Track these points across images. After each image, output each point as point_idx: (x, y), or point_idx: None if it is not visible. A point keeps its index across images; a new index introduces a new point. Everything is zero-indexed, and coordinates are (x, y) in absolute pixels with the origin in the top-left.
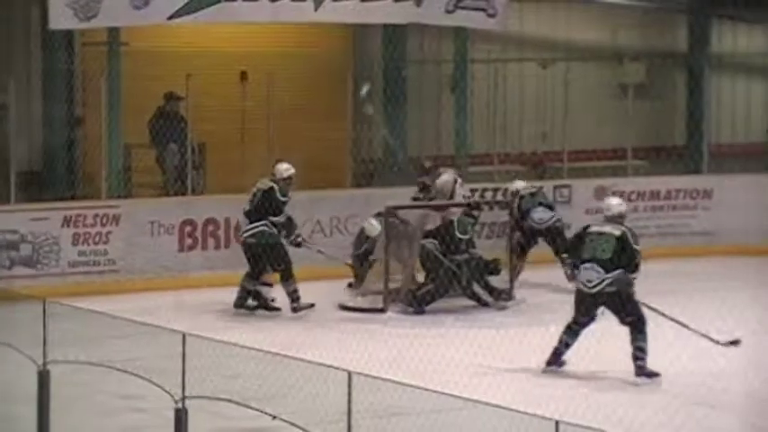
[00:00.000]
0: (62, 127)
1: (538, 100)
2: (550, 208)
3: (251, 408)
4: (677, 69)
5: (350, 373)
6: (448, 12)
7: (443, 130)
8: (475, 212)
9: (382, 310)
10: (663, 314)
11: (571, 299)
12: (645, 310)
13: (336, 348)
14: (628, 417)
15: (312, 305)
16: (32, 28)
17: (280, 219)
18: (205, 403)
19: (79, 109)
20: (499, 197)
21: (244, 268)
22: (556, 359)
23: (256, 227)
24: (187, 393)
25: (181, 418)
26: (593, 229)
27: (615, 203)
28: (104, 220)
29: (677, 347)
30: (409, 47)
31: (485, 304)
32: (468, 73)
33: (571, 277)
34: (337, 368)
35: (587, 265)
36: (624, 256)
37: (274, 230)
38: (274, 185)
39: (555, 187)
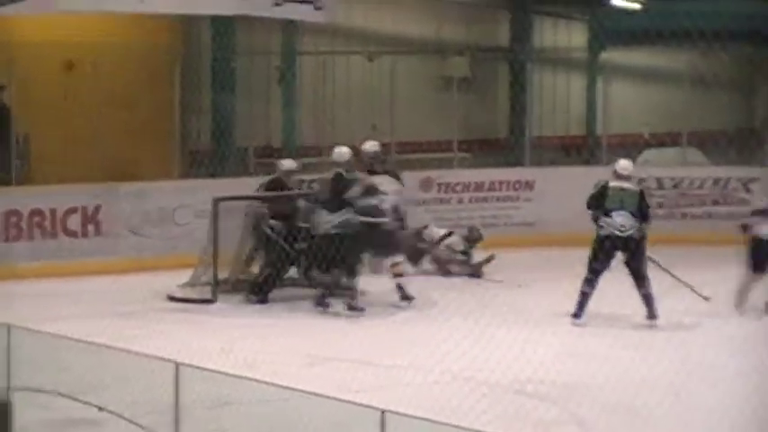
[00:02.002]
0: None
1: (365, 92)
2: None
3: (77, 400)
4: (500, 64)
5: (177, 364)
6: (276, 4)
7: (272, 122)
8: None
9: (211, 301)
10: (660, 266)
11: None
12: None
13: (165, 340)
14: (453, 404)
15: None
16: None
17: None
18: (32, 395)
19: None
20: None
21: (71, 257)
22: (581, 311)
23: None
24: (13, 385)
25: (6, 410)
26: (614, 184)
27: (629, 164)
28: None
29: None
30: (238, 39)
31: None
32: (296, 65)
33: None
34: (165, 359)
35: (621, 212)
36: (643, 209)
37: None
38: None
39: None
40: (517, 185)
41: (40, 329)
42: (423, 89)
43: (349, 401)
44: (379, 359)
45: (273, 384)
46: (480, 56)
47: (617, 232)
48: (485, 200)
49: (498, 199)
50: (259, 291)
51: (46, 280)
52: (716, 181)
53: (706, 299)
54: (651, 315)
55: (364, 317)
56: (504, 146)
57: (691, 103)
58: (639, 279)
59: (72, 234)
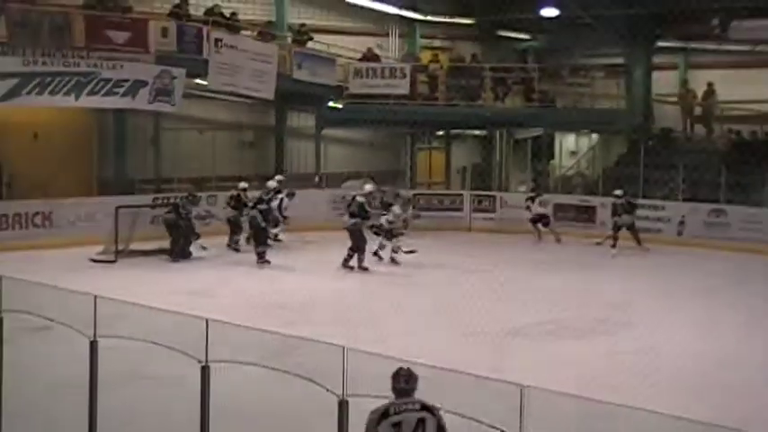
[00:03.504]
0: None
1: (199, 150)
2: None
3: (39, 315)
4: (270, 135)
5: (95, 297)
6: (149, 102)
7: (148, 164)
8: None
9: (114, 262)
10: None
11: None
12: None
13: (88, 283)
14: (247, 315)
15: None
16: None
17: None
18: (14, 314)
19: None
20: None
21: (37, 239)
22: (345, 264)
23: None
24: (4, 308)
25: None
26: (357, 198)
27: (368, 187)
28: None
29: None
30: (128, 120)
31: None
32: (161, 135)
33: None
34: (87, 293)
35: (346, 214)
36: (362, 212)
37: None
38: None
39: (209, 195)
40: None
41: (18, 278)
42: (229, 149)
43: (186, 314)
44: (204, 292)
45: (148, 306)
46: (259, 131)
47: (343, 225)
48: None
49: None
50: (178, 255)
51: (22, 252)
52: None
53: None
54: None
55: (192, 268)
56: (272, 178)
57: (368, 156)
58: (356, 253)
59: (37, 226)
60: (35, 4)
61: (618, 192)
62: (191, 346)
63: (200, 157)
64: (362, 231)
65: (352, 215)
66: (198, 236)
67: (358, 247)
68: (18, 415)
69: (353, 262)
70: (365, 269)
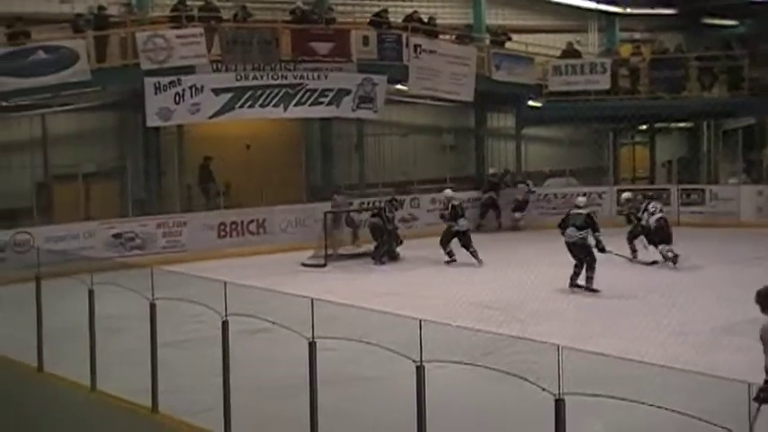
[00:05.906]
0: (152, 177)
1: (401, 154)
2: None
3: (260, 318)
4: (470, 137)
5: (312, 300)
6: (353, 110)
7: (353, 170)
8: (395, 203)
9: (324, 266)
10: (614, 253)
11: None
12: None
13: (301, 286)
14: (452, 314)
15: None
16: (137, 125)
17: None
18: (236, 317)
19: (163, 166)
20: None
21: (252, 245)
22: (573, 282)
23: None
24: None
25: (227, 326)
26: (573, 211)
27: (582, 199)
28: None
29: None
30: (333, 128)
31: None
32: (364, 141)
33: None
34: (303, 296)
35: (570, 228)
36: (588, 224)
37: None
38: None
39: (411, 199)
40: (479, 200)
41: (240, 283)
42: (430, 152)
43: (398, 315)
44: (411, 293)
45: (356, 306)
46: (459, 133)
47: (569, 240)
48: (467, 208)
49: (470, 207)
50: (379, 258)
51: (239, 258)
52: (585, 194)
53: (654, 262)
54: (587, 287)
55: (396, 270)
56: (473, 179)
57: (569, 153)
58: (588, 267)
59: (251, 233)
60: (246, 21)
61: None
62: (402, 346)
63: (402, 161)
64: (589, 245)
65: (578, 228)
66: (401, 241)
67: (588, 265)
68: (245, 414)
69: (581, 280)
70: (594, 291)
